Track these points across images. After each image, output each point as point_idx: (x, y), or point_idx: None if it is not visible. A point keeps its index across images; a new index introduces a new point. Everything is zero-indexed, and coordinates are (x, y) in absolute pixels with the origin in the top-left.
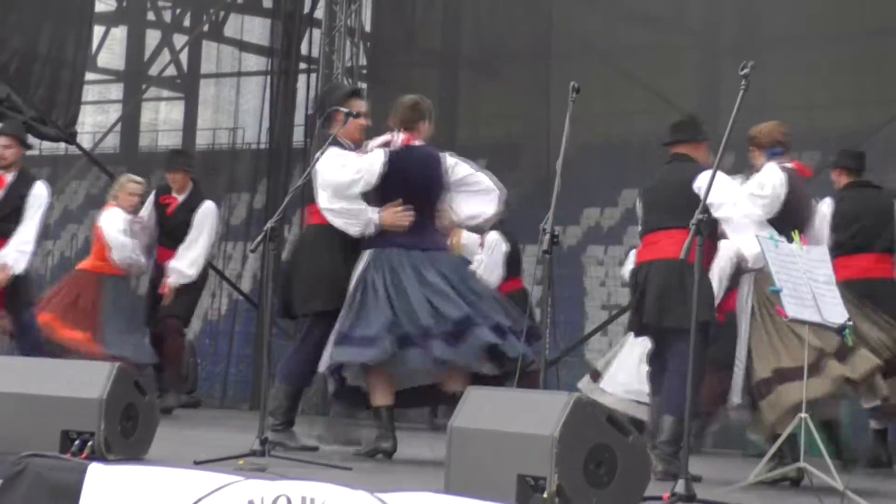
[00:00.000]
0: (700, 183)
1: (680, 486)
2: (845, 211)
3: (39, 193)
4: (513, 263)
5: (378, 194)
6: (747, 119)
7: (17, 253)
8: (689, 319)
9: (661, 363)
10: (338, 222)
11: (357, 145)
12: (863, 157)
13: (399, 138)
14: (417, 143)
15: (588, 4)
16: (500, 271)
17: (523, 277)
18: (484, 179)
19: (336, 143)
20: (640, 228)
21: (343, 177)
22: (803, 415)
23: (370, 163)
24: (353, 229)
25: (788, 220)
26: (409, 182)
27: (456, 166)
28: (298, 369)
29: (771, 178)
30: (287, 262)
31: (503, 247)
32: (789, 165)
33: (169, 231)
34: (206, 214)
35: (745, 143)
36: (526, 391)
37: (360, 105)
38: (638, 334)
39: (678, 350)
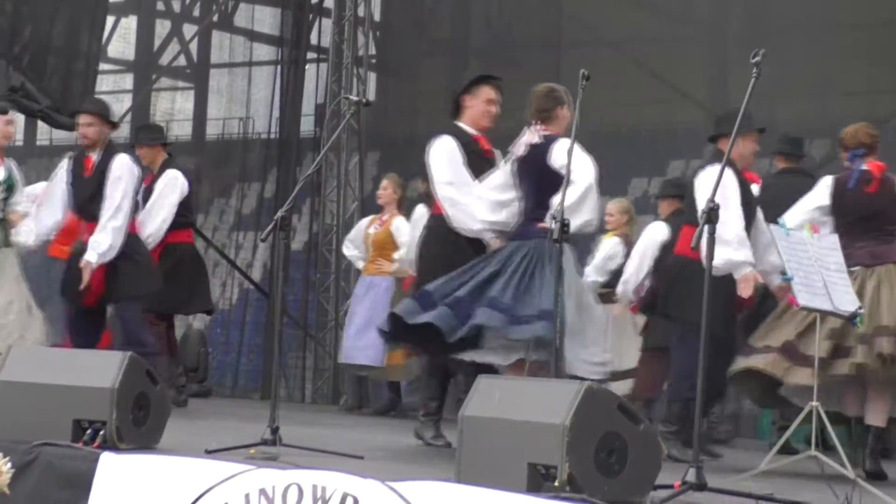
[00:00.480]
0: (699, 181)
1: (691, 475)
2: (768, 198)
3: (117, 168)
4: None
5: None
6: (758, 108)
7: (92, 243)
8: (690, 314)
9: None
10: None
11: (484, 132)
12: (800, 143)
13: (535, 132)
14: (550, 132)
15: None
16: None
17: None
18: (576, 169)
19: (455, 132)
20: None
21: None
22: (814, 403)
23: (487, 191)
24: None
25: (865, 221)
26: (529, 174)
27: (557, 154)
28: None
29: (809, 193)
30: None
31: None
32: (864, 167)
33: None
34: (164, 182)
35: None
36: (537, 379)
37: (488, 92)
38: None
39: (676, 341)
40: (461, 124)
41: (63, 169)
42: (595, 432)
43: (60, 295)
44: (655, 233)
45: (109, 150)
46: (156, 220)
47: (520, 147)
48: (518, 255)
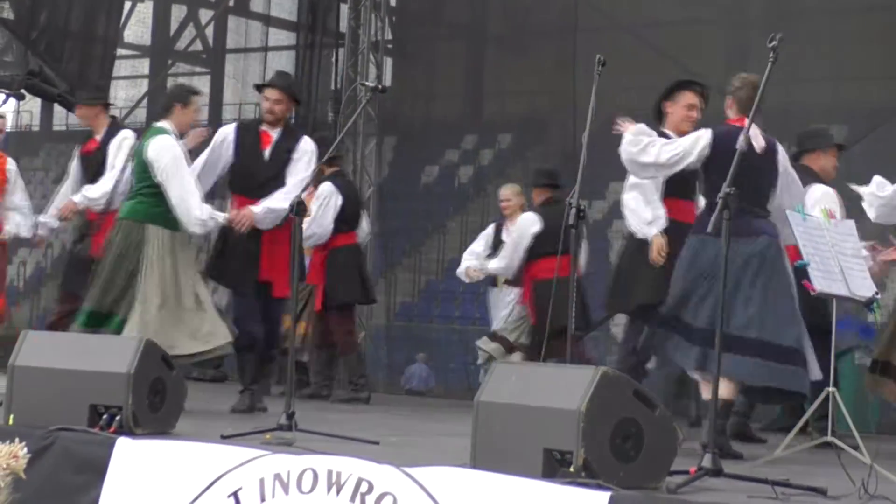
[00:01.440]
0: (810, 199)
1: (707, 460)
2: None
3: (307, 148)
4: (351, 217)
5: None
6: (775, 92)
7: (264, 209)
8: None
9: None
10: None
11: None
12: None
13: (757, 126)
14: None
15: None
16: (327, 225)
17: (359, 234)
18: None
19: (662, 136)
20: None
21: (660, 156)
22: (831, 389)
23: (693, 140)
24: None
25: None
26: (740, 166)
27: (784, 157)
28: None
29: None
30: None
31: (337, 200)
32: None
33: (95, 178)
34: (122, 141)
35: (772, 116)
36: (552, 365)
37: (689, 97)
38: None
39: None
40: (665, 130)
41: (225, 140)
42: (611, 418)
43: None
44: (528, 224)
45: (289, 129)
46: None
47: (758, 139)
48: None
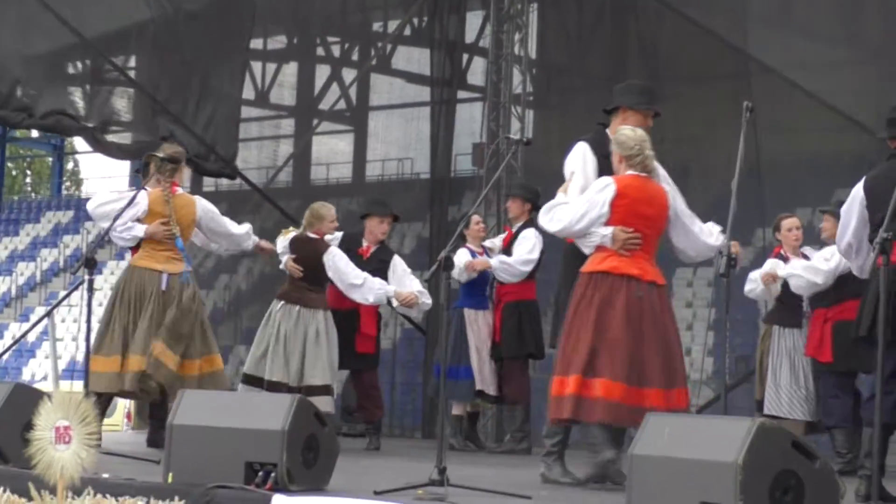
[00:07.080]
0: None
1: None
2: None
3: None
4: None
5: None
6: None
7: None
8: None
9: None
10: None
11: None
12: None
13: None
14: None
15: (758, 22)
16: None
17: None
18: None
19: None
20: None
21: None
22: None
23: None
24: None
25: None
26: None
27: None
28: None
29: None
30: None
31: (539, 244)
32: None
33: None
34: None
35: None
36: (706, 416)
37: None
38: None
39: None
40: None
41: None
42: (769, 470)
43: None
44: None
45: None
46: None
47: None
48: None
